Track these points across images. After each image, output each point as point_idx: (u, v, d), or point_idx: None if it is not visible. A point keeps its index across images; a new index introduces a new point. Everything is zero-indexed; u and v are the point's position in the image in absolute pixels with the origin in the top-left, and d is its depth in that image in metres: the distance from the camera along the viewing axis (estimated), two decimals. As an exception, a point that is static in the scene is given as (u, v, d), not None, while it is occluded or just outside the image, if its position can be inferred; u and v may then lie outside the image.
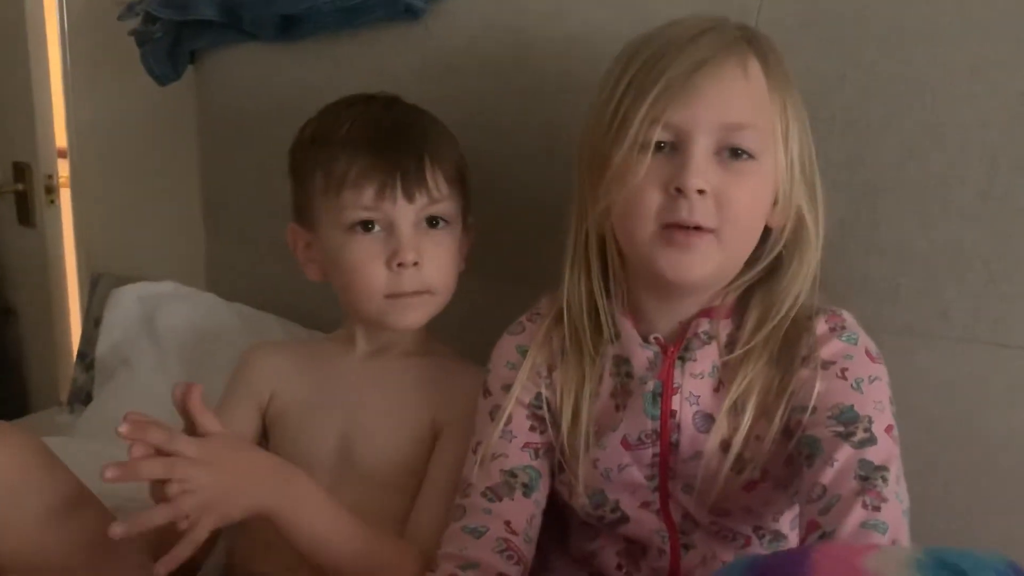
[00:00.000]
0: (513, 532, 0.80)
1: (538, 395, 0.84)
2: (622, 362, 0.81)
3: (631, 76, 0.75)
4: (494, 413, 0.84)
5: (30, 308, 1.79)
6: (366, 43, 1.17)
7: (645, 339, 0.80)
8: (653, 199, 0.74)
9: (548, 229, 0.97)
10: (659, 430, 0.79)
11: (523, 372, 0.83)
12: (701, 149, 0.73)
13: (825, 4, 0.91)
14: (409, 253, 0.86)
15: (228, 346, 1.16)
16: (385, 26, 1.14)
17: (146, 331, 1.23)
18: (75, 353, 1.59)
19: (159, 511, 0.71)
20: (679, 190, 0.72)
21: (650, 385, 0.79)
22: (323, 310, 1.05)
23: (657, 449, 0.79)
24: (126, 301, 1.27)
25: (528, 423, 0.84)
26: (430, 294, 0.90)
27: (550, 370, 0.84)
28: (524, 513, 0.81)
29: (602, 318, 0.81)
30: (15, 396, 1.78)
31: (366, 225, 0.87)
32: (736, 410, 0.76)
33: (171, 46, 1.29)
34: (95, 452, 0.94)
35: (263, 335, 1.20)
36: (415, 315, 0.90)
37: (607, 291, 0.81)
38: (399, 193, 0.86)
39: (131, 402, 1.16)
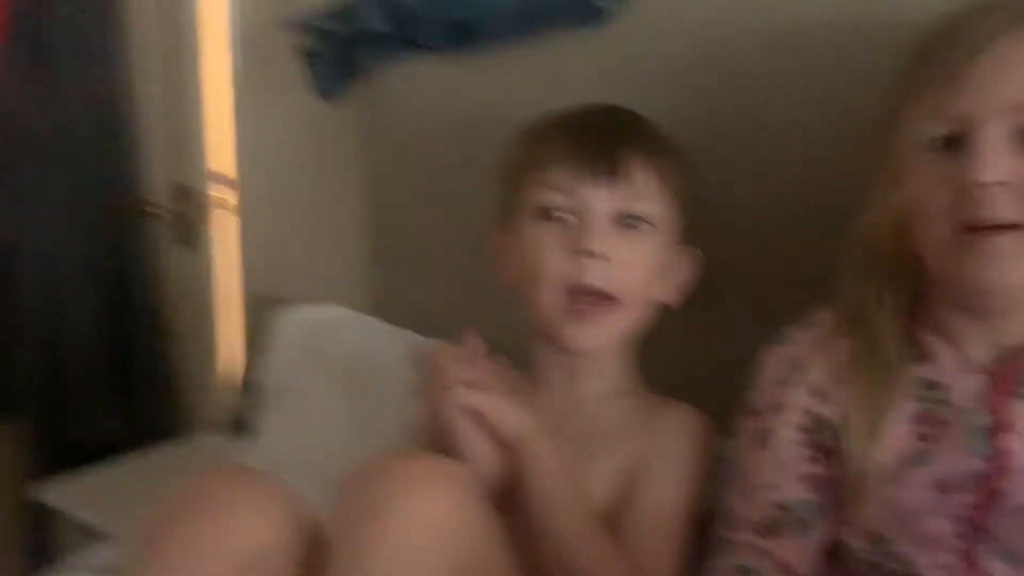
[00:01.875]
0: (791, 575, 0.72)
1: (816, 417, 0.74)
2: (932, 386, 0.71)
3: (913, 66, 0.68)
4: (763, 437, 0.76)
5: (191, 331, 1.82)
6: (545, 50, 1.12)
7: (966, 362, 0.70)
8: (941, 199, 0.66)
9: (760, 252, 0.90)
10: (985, 474, 0.67)
11: (798, 390, 0.75)
12: (992, 137, 0.64)
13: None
14: (596, 241, 0.80)
15: (397, 375, 1.12)
16: (565, 31, 1.09)
17: (313, 358, 1.23)
18: (235, 376, 1.60)
19: None
20: (971, 187, 0.64)
21: (978, 418, 0.68)
22: (495, 338, 0.99)
23: (976, 499, 0.67)
24: (293, 327, 1.28)
25: (804, 451, 0.75)
26: (614, 303, 0.82)
27: (832, 386, 0.74)
28: (803, 554, 0.73)
29: (905, 334, 0.72)
30: (175, 418, 1.82)
31: (558, 214, 0.82)
32: None
33: (338, 61, 1.29)
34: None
35: None
36: (593, 330, 0.82)
37: (899, 305, 0.73)
38: (597, 175, 0.80)
39: (300, 432, 1.16)
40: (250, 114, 1.63)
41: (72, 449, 1.70)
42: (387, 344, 1.22)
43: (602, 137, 0.83)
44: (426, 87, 1.24)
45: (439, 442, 0.79)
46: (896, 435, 0.71)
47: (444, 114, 1.22)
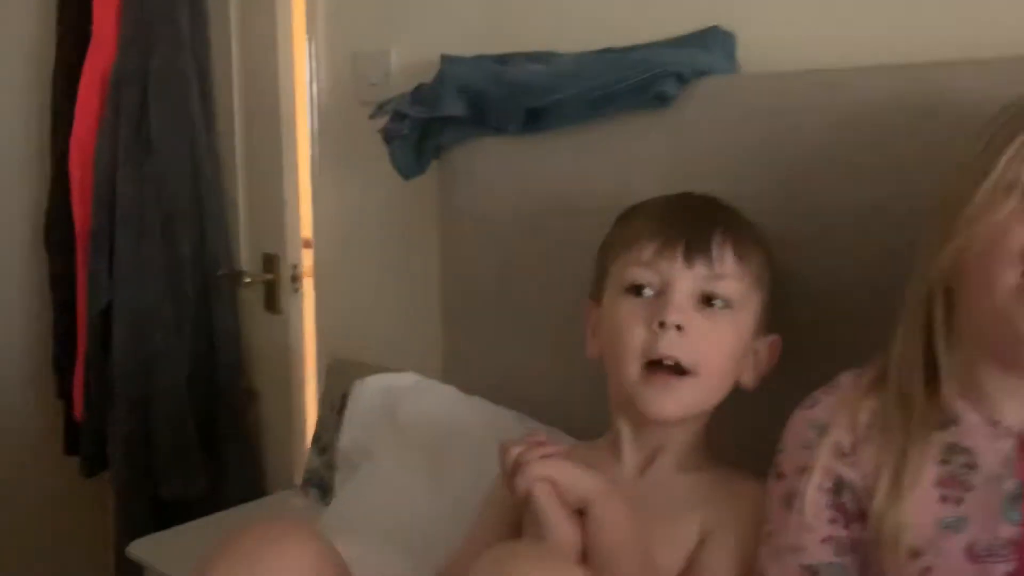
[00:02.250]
0: None
1: (839, 480, 0.76)
2: (958, 451, 0.73)
3: (1000, 124, 0.71)
4: (789, 499, 0.78)
5: (271, 391, 1.90)
6: (613, 132, 1.18)
7: (993, 427, 0.72)
8: (1017, 237, 0.67)
9: (837, 322, 0.91)
10: (1020, 540, 0.69)
11: (822, 453, 0.77)
12: None
13: None
14: (673, 313, 0.84)
15: (470, 443, 1.18)
16: (633, 114, 1.15)
17: (389, 424, 1.26)
18: (310, 437, 1.67)
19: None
20: None
21: (1009, 484, 0.70)
22: (563, 405, 1.04)
23: (1013, 567, 0.69)
24: (369, 393, 1.32)
25: (828, 513, 0.77)
26: (692, 376, 0.85)
27: (855, 448, 0.76)
28: None
29: (934, 396, 0.74)
30: (255, 477, 1.89)
31: (641, 289, 0.87)
32: None
33: (417, 141, 1.36)
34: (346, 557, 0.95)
35: (504, 432, 1.20)
36: (671, 398, 0.86)
37: (949, 350, 0.74)
38: (679, 253, 0.85)
39: (376, 498, 1.21)
40: (331, 188, 1.72)
41: (162, 507, 1.79)
42: (460, 411, 1.26)
43: (688, 218, 0.88)
44: (498, 166, 1.30)
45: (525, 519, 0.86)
46: (922, 499, 0.72)
47: (513, 191, 1.28)
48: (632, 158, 1.16)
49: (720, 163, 1.08)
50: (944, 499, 0.72)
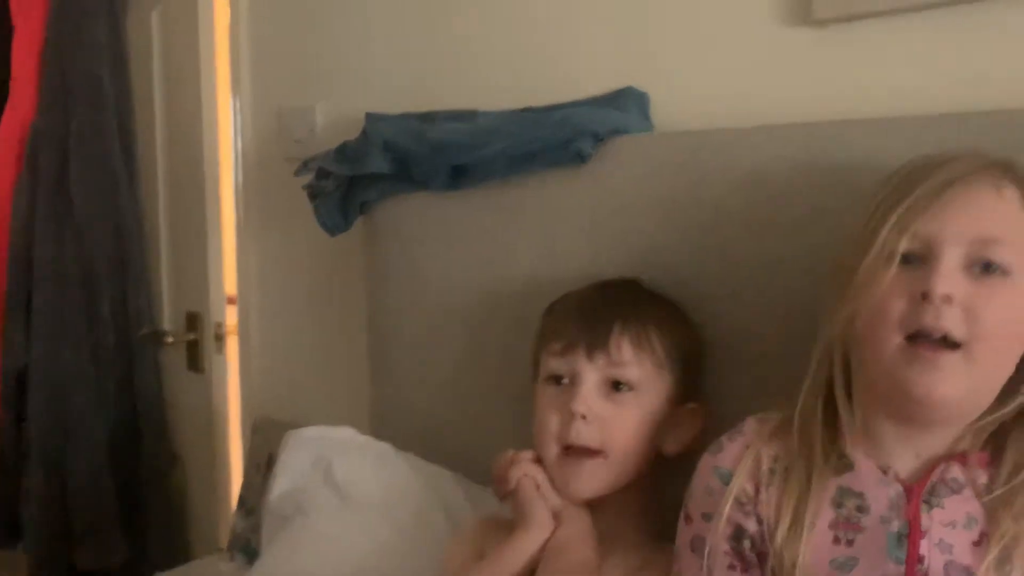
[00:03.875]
0: None
1: (739, 528, 0.82)
2: (850, 495, 0.79)
3: (884, 195, 0.78)
4: (694, 544, 0.85)
5: (195, 453, 1.88)
6: (534, 187, 1.23)
7: (884, 473, 0.78)
8: (898, 306, 0.75)
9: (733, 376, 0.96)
10: None
11: (724, 501, 0.83)
12: (949, 259, 0.74)
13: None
14: (579, 404, 0.97)
15: (409, 501, 1.21)
16: (553, 170, 1.20)
17: (323, 478, 1.25)
18: (236, 499, 1.65)
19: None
20: (924, 296, 0.73)
21: (895, 525, 0.76)
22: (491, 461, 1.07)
23: None
24: (302, 445, 1.30)
25: (727, 559, 0.83)
26: (602, 457, 0.97)
27: (757, 493, 0.82)
28: None
29: (832, 443, 0.80)
30: (179, 542, 1.86)
31: (558, 379, 1.00)
32: (1000, 565, 0.73)
33: (343, 198, 1.39)
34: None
35: (440, 491, 1.24)
36: (584, 479, 0.98)
37: (850, 405, 0.81)
38: (582, 350, 0.98)
39: (308, 552, 1.19)
40: (256, 245, 1.74)
41: (79, 576, 1.75)
42: (395, 469, 1.27)
43: (594, 316, 1.00)
44: (423, 221, 1.34)
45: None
46: (818, 540, 0.78)
47: (438, 245, 1.32)
48: (553, 213, 1.21)
49: (634, 219, 1.13)
50: (837, 540, 0.78)
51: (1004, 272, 0.73)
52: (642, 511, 1.02)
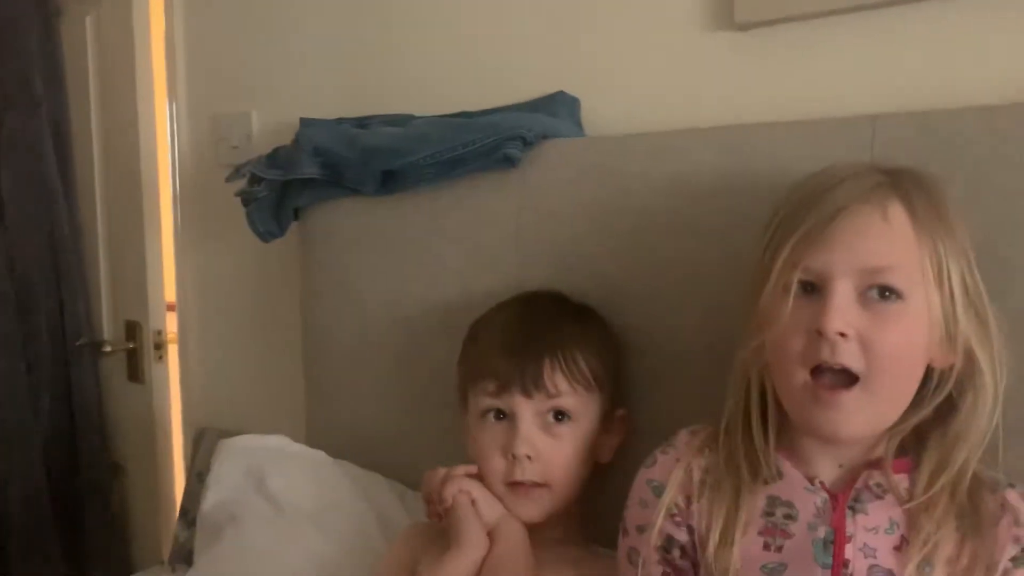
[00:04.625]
0: None
1: (669, 539, 0.85)
2: (780, 503, 0.81)
3: (778, 222, 0.80)
4: (631, 555, 0.87)
5: (136, 464, 1.86)
6: (464, 192, 1.23)
7: (810, 482, 0.81)
8: (797, 342, 0.77)
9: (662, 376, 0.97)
10: None
11: (656, 513, 0.85)
12: (841, 293, 0.75)
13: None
14: (522, 446, 0.99)
15: (343, 510, 1.21)
16: (482, 176, 1.21)
17: (255, 487, 1.25)
18: (181, 509, 1.63)
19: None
20: (819, 332, 0.75)
21: (821, 532, 0.78)
22: (425, 467, 1.07)
23: None
24: (234, 454, 1.30)
25: (659, 568, 0.85)
26: (546, 487, 1.00)
27: (688, 504, 0.84)
28: None
29: (759, 456, 0.82)
30: (120, 554, 1.83)
31: (497, 413, 1.01)
32: (921, 570, 0.75)
33: (275, 204, 1.38)
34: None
35: (375, 498, 1.24)
36: (530, 507, 1.01)
37: (764, 428, 0.83)
38: (516, 390, 0.99)
39: (239, 562, 1.18)
40: (194, 252, 1.72)
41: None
42: (329, 476, 1.27)
43: (524, 346, 1.01)
44: (355, 226, 1.33)
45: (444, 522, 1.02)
46: (748, 546, 0.80)
47: (371, 250, 1.31)
48: (484, 217, 1.21)
49: (562, 223, 1.15)
50: (767, 546, 0.80)
51: (897, 296, 0.75)
52: (575, 518, 1.05)
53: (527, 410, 1.00)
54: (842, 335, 0.74)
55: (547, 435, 1.00)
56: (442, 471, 1.04)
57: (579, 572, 0.98)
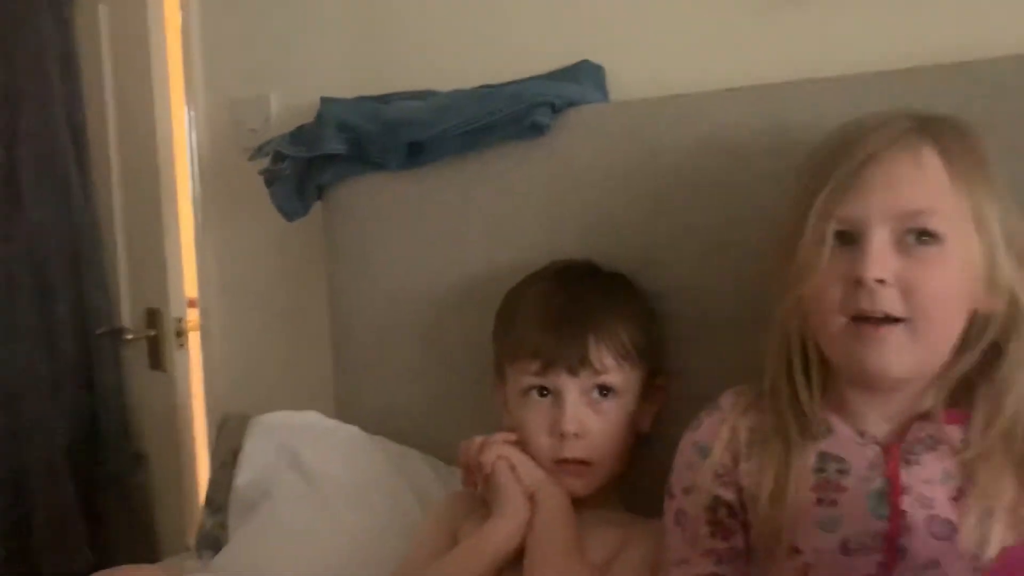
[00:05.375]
0: None
1: (716, 499, 0.85)
2: (831, 459, 0.80)
3: (810, 174, 0.80)
4: (678, 517, 0.87)
5: (159, 453, 1.86)
6: (491, 162, 1.23)
7: (861, 436, 0.80)
8: (835, 292, 0.76)
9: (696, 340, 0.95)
10: (887, 533, 0.76)
11: (704, 474, 0.85)
12: (877, 239, 0.75)
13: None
14: (570, 424, 0.98)
15: (378, 485, 1.21)
16: (509, 144, 1.20)
17: (289, 463, 1.25)
18: (202, 497, 1.63)
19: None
20: (858, 281, 0.74)
21: (875, 483, 0.78)
22: (456, 440, 1.08)
23: (882, 557, 0.76)
24: (267, 431, 1.29)
25: (707, 529, 0.85)
26: (594, 464, 1.00)
27: (735, 463, 0.84)
28: None
29: (806, 413, 0.82)
30: (145, 541, 1.83)
31: (541, 391, 1.00)
32: (982, 520, 0.74)
33: (299, 182, 1.38)
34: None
35: (410, 473, 1.24)
36: (577, 484, 1.00)
37: (809, 384, 0.82)
38: (562, 370, 0.98)
39: (274, 538, 1.18)
40: (215, 236, 1.72)
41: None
42: (364, 452, 1.27)
43: (566, 323, 1.00)
44: (381, 201, 1.33)
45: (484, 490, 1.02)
46: (801, 503, 0.80)
47: (397, 224, 1.31)
48: (512, 187, 1.21)
49: (591, 189, 1.14)
50: (820, 501, 0.79)
51: (936, 239, 0.75)
52: (615, 486, 1.05)
53: (573, 388, 0.99)
54: (881, 282, 0.74)
55: (593, 411, 1.00)
56: (479, 439, 1.04)
57: (623, 532, 0.98)
